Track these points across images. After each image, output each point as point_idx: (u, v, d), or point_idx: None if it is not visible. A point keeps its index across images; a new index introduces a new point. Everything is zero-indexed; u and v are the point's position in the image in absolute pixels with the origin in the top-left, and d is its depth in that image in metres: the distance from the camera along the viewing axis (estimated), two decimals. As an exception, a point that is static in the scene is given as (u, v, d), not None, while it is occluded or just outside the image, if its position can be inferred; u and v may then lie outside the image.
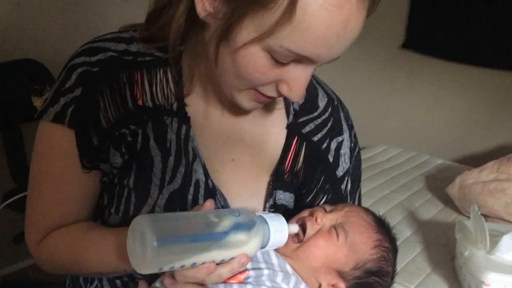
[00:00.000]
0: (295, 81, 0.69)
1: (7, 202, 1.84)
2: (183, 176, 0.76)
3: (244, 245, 0.65)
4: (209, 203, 0.69)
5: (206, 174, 0.77)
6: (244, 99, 0.74)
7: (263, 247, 0.69)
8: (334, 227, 0.76)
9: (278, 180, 0.83)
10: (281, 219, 0.71)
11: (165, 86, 0.78)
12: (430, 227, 1.62)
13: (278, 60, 0.65)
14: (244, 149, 0.83)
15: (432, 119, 2.42)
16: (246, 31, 0.63)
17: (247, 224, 0.66)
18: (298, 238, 0.76)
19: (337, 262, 0.75)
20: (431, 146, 2.41)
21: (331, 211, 0.79)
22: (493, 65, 2.15)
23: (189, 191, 0.77)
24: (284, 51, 0.64)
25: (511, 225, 1.49)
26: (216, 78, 0.73)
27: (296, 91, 0.70)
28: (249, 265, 0.72)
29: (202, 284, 0.67)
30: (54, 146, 0.78)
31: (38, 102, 1.83)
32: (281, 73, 0.68)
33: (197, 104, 0.80)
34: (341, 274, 0.75)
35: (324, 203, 0.85)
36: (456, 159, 2.30)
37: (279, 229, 0.70)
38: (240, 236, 0.64)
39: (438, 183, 1.96)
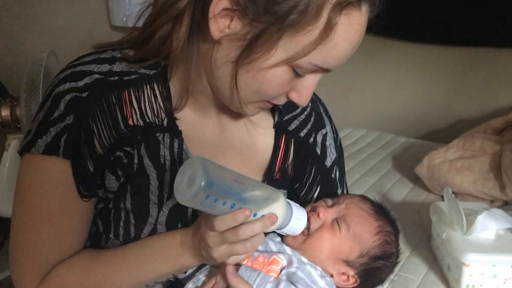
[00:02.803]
0: (306, 88, 0.72)
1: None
2: None
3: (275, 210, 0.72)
4: None
5: None
6: (253, 109, 0.76)
7: (282, 227, 0.75)
8: (336, 221, 0.81)
9: (271, 179, 0.85)
10: (303, 209, 0.78)
11: (154, 103, 0.77)
12: (403, 209, 1.65)
13: (299, 73, 0.69)
14: (235, 155, 0.84)
15: (392, 98, 2.47)
16: (277, 53, 0.65)
17: (278, 199, 0.73)
18: (303, 232, 0.80)
19: (342, 253, 0.80)
20: (394, 125, 2.46)
21: (332, 205, 0.84)
22: (449, 42, 2.20)
23: None
24: (311, 66, 0.68)
25: (482, 203, 1.54)
26: (218, 92, 0.74)
27: (305, 97, 0.74)
28: (275, 249, 0.78)
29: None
30: (47, 179, 0.75)
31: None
32: (295, 83, 0.70)
33: (188, 117, 0.80)
34: (348, 263, 0.80)
35: (318, 194, 0.90)
36: (420, 136, 2.36)
37: (300, 217, 0.76)
38: (271, 203, 0.71)
39: (405, 162, 2.00)
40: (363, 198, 0.88)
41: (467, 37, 2.15)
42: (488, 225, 1.21)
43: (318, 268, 0.78)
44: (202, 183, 0.62)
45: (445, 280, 1.28)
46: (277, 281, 0.73)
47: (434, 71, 2.31)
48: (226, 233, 0.67)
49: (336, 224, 0.80)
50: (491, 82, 2.21)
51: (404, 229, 1.53)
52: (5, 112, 1.69)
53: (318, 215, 0.81)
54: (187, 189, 0.64)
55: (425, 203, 1.62)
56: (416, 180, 1.84)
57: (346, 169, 2.07)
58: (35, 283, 0.77)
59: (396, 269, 1.33)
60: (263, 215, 0.70)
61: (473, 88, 2.25)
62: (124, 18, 2.58)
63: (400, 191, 1.80)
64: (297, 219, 0.76)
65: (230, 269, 0.69)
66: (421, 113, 2.40)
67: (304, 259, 0.78)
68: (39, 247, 0.77)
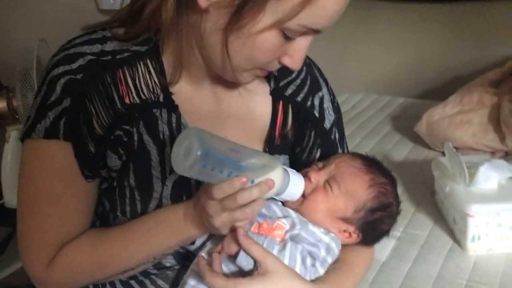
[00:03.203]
0: (298, 51, 0.72)
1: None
2: None
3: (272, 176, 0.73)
4: None
5: None
6: (246, 78, 0.76)
7: (280, 193, 0.77)
8: (327, 181, 0.81)
9: (272, 145, 0.86)
10: (300, 175, 0.79)
11: (148, 79, 0.77)
12: (405, 168, 1.67)
13: (289, 36, 0.68)
14: (234, 124, 0.85)
15: (388, 60, 2.46)
16: (265, 17, 0.65)
17: (275, 166, 0.74)
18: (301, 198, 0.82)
19: (338, 211, 0.81)
20: (391, 86, 2.45)
21: (323, 167, 0.84)
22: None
23: None
24: (300, 28, 0.67)
25: (483, 155, 1.55)
26: (210, 62, 0.74)
27: (298, 61, 0.73)
28: (279, 213, 0.80)
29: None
30: (50, 163, 0.75)
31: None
32: (287, 47, 0.70)
33: (184, 91, 0.80)
34: (346, 220, 0.81)
35: (319, 157, 0.90)
36: (417, 96, 2.36)
37: (297, 183, 0.77)
38: (267, 170, 0.72)
39: (404, 122, 2.01)
40: (353, 154, 0.89)
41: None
42: (490, 175, 1.22)
43: (321, 227, 0.80)
44: (198, 153, 0.63)
45: (451, 232, 1.30)
46: (283, 243, 0.74)
47: (426, 29, 2.30)
48: (225, 200, 0.68)
49: (328, 185, 0.81)
50: (483, 35, 2.20)
51: (408, 187, 1.55)
52: (2, 104, 1.69)
53: (310, 179, 0.81)
54: (184, 160, 0.65)
55: (427, 160, 1.63)
56: (416, 139, 1.85)
57: (346, 133, 2.07)
58: (44, 264, 0.78)
59: (402, 226, 1.35)
60: (260, 181, 0.70)
61: (467, 43, 2.24)
62: (112, 1, 2.56)
63: (401, 150, 1.81)
64: (294, 185, 0.77)
65: (241, 231, 0.70)
66: (416, 72, 2.39)
67: (307, 220, 0.80)
68: (46, 229, 0.78)
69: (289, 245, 0.73)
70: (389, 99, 2.31)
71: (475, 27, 2.19)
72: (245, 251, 0.70)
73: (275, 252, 0.72)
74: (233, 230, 0.72)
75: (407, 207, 1.44)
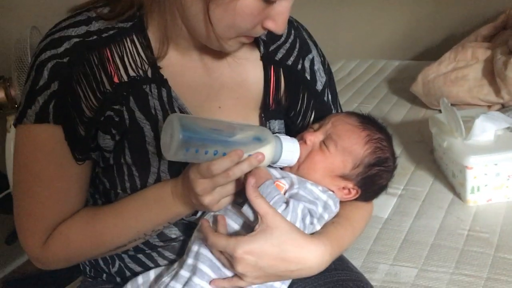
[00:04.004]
0: (280, 15, 0.71)
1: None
2: None
3: (260, 150, 0.73)
4: None
5: None
6: (232, 45, 0.76)
7: (275, 162, 0.77)
8: (323, 141, 0.82)
9: (267, 111, 0.86)
10: (295, 141, 0.79)
11: (136, 55, 0.77)
12: (404, 128, 1.68)
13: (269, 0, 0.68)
14: (228, 94, 0.85)
15: (381, 23, 2.45)
16: None
17: (265, 137, 0.74)
18: (298, 161, 0.83)
19: (336, 169, 0.82)
20: (386, 50, 2.45)
21: (319, 128, 0.85)
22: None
23: None
24: None
25: (479, 108, 1.56)
26: (194, 32, 0.74)
27: (281, 24, 0.72)
28: (278, 175, 0.81)
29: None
30: (42, 147, 0.76)
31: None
32: (269, 11, 0.70)
33: (173, 64, 0.80)
34: (345, 177, 0.82)
35: (313, 119, 0.91)
36: (412, 57, 2.36)
37: (291, 149, 0.78)
38: (257, 143, 0.73)
39: (400, 85, 2.02)
40: (348, 113, 0.90)
41: None
42: (486, 127, 1.24)
43: (320, 185, 0.81)
44: (180, 136, 0.65)
45: (451, 186, 1.32)
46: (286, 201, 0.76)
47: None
48: (217, 177, 0.69)
49: (324, 145, 0.82)
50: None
51: (407, 146, 1.56)
52: (0, 94, 1.69)
53: (305, 142, 0.82)
54: (169, 146, 0.66)
55: (424, 119, 1.65)
56: (414, 100, 1.86)
57: (343, 100, 2.10)
58: (40, 243, 0.81)
59: (403, 184, 1.37)
60: (249, 155, 0.71)
61: (459, 1, 2.23)
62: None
63: (399, 112, 1.82)
64: (288, 151, 0.78)
65: (251, 182, 0.71)
66: (410, 34, 2.39)
67: (305, 179, 0.81)
68: (40, 211, 0.79)
69: (291, 202, 0.75)
70: (384, 62, 2.31)
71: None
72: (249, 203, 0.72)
73: (280, 209, 0.74)
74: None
75: (407, 165, 1.46)
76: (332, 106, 0.94)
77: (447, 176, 1.35)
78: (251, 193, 0.71)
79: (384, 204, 1.28)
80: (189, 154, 0.67)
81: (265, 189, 0.74)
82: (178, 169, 0.77)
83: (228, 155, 0.68)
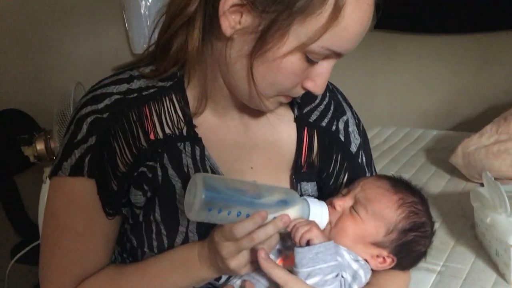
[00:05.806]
0: (320, 76, 0.72)
1: (16, 257, 1.81)
2: None
3: (285, 212, 0.72)
4: None
5: None
6: (271, 104, 0.76)
7: None
8: (353, 206, 0.80)
9: (298, 173, 0.85)
10: (323, 204, 0.78)
11: (173, 113, 0.78)
12: (443, 200, 1.63)
13: (313, 60, 0.69)
14: (260, 154, 0.84)
15: (419, 92, 2.45)
16: (289, 40, 0.66)
17: (291, 199, 0.73)
18: (330, 225, 0.80)
19: (368, 235, 0.79)
20: (423, 119, 2.43)
21: (348, 193, 0.82)
22: (467, 30, 2.18)
23: None
24: (324, 51, 0.68)
25: (523, 184, 1.50)
26: (235, 90, 0.75)
27: (321, 85, 0.73)
28: None
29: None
30: (73, 199, 0.77)
31: (28, 151, 1.80)
32: (310, 72, 0.71)
33: (209, 122, 0.81)
34: (378, 244, 0.79)
35: (346, 182, 0.89)
36: (450, 127, 2.33)
37: (319, 213, 0.76)
38: (283, 205, 0.72)
39: (438, 155, 1.97)
40: (378, 176, 0.87)
41: (484, 23, 2.12)
42: (532, 204, 1.18)
43: (352, 252, 0.77)
44: (203, 196, 0.64)
45: (494, 266, 1.24)
46: None
47: (457, 60, 2.29)
48: (241, 240, 0.68)
49: (354, 210, 0.79)
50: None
51: (446, 220, 1.50)
52: (40, 146, 1.73)
53: (335, 207, 0.80)
54: (192, 206, 0.66)
55: (465, 192, 1.59)
56: (453, 171, 1.80)
57: (379, 167, 2.06)
58: None
59: (442, 260, 1.30)
60: (274, 217, 0.70)
61: (499, 72, 2.21)
62: (145, 45, 2.63)
63: (438, 183, 1.77)
64: (316, 215, 0.76)
65: (262, 255, 0.69)
66: (449, 104, 2.37)
67: (337, 245, 0.78)
68: (65, 264, 0.79)
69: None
70: (422, 132, 2.27)
71: (507, 56, 2.17)
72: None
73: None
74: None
75: (446, 240, 1.40)
76: (367, 169, 0.92)
77: (490, 253, 1.28)
78: (264, 263, 0.69)
79: (422, 281, 1.21)
80: (211, 214, 0.66)
81: (307, 253, 0.71)
82: (207, 230, 0.76)
83: (251, 217, 0.67)
